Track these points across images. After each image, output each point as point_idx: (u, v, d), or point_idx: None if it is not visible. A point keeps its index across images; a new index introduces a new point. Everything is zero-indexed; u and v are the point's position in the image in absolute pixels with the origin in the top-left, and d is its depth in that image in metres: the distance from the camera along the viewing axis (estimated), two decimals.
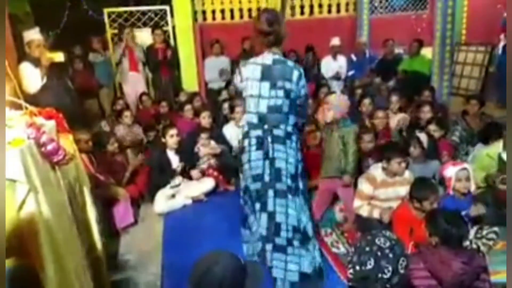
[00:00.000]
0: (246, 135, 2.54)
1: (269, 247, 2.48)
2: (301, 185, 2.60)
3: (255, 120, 2.50)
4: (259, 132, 2.49)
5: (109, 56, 6.43)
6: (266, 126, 2.48)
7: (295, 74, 2.45)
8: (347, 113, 3.17)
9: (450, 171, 2.88)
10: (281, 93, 2.44)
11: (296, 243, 2.49)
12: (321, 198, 3.34)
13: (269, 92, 2.44)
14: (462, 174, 2.83)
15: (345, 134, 3.06)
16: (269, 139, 2.47)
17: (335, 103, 3.09)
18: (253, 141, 2.50)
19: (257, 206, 2.53)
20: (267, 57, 2.46)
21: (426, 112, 4.29)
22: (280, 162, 2.48)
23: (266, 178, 2.49)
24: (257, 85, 2.45)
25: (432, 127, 3.84)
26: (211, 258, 1.45)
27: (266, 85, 2.44)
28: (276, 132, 2.48)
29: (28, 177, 1.56)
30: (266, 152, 2.48)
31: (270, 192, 2.48)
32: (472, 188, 2.91)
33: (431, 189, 2.67)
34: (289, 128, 2.53)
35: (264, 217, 2.49)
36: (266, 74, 2.43)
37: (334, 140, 3.11)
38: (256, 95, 2.46)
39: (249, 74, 2.47)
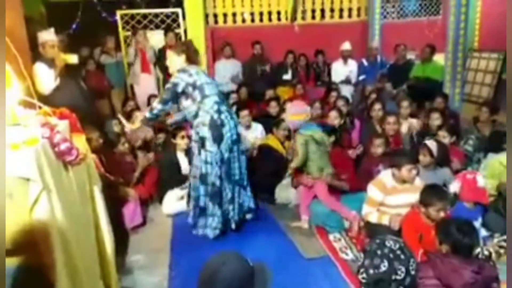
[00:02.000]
0: (218, 112, 3.15)
1: (244, 192, 3.41)
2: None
3: (217, 98, 3.20)
4: (224, 107, 3.23)
5: (121, 57, 6.50)
6: (225, 103, 3.28)
7: None
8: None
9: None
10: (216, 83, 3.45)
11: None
12: (299, 192, 3.71)
13: (213, 80, 3.34)
14: None
15: (297, 137, 3.45)
16: (230, 111, 3.34)
17: (289, 120, 3.54)
18: (225, 114, 3.19)
19: (236, 164, 3.29)
20: (195, 67, 3.25)
21: (435, 119, 4.26)
22: (238, 128, 3.34)
23: (238, 141, 3.29)
24: (205, 76, 3.24)
25: (441, 133, 3.81)
26: (221, 258, 1.45)
27: (208, 78, 3.29)
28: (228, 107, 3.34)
29: (41, 176, 1.58)
30: (233, 119, 3.27)
31: (241, 152, 3.35)
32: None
33: (438, 196, 2.62)
34: None
35: (243, 170, 3.38)
36: (204, 72, 3.34)
37: None
38: (210, 82, 3.23)
39: (197, 70, 3.21)
